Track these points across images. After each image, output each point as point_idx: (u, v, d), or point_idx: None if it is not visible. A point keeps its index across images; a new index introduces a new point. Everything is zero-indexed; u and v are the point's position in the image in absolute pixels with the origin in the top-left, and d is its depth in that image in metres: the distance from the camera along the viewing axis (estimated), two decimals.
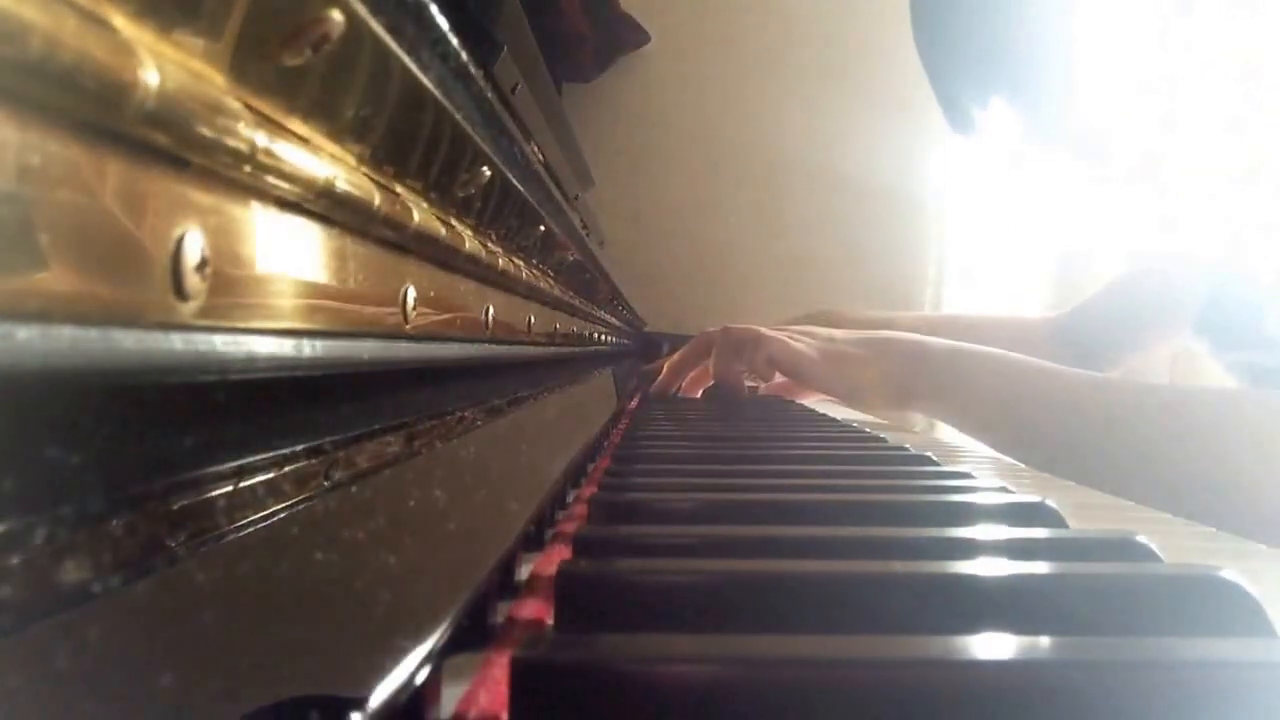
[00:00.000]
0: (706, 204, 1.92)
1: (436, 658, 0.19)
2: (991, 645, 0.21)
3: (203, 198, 0.15)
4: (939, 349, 0.80)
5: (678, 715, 0.19)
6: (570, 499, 0.45)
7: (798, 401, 1.06)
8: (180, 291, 0.14)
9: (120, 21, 0.12)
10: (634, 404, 1.02)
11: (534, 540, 0.35)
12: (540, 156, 0.46)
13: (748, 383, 0.97)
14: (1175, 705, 0.19)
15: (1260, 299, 0.91)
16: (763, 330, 0.89)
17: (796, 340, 0.87)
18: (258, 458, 0.18)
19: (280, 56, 0.17)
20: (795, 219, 1.91)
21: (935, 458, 0.56)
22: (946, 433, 0.96)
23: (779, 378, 0.92)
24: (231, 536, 0.16)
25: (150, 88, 0.12)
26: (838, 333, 0.89)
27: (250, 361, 0.16)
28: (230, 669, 0.14)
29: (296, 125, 0.18)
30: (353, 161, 0.21)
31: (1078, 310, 1.15)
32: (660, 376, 1.02)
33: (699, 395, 1.01)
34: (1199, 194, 1.63)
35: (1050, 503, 0.39)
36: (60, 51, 0.10)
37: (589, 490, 0.46)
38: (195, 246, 0.14)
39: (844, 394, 0.85)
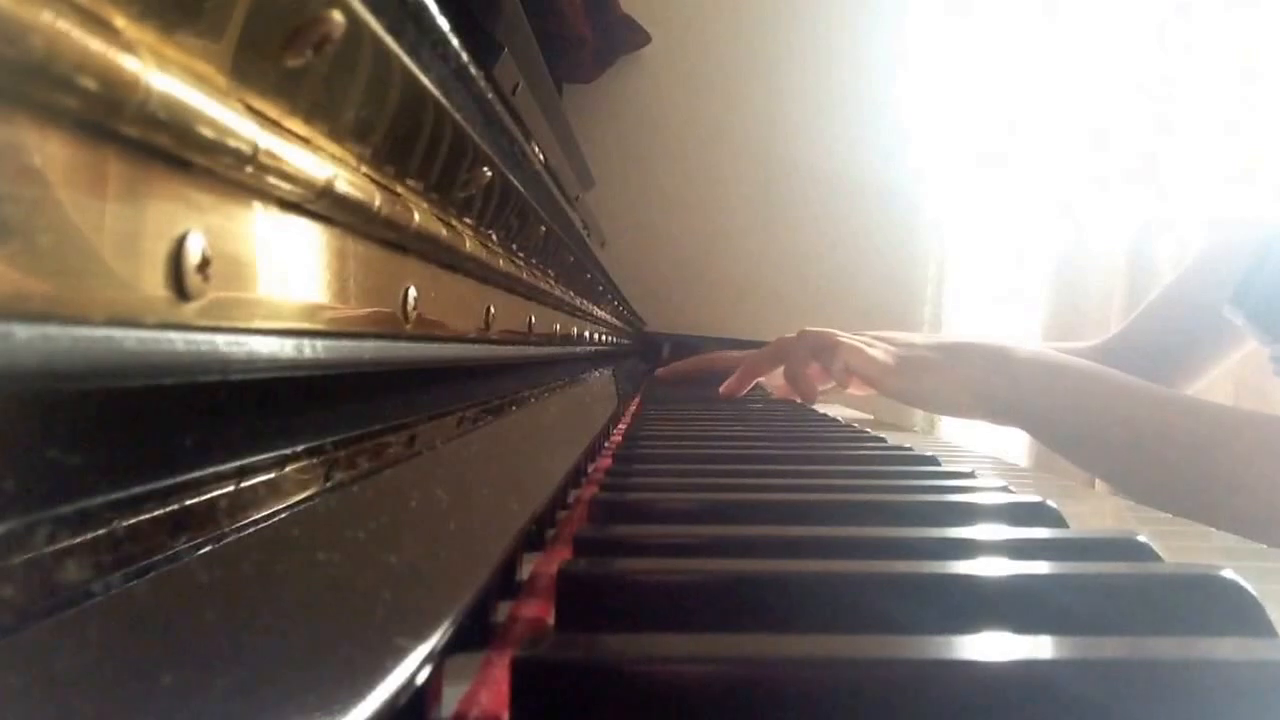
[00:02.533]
0: (706, 204, 1.92)
1: (437, 657, 0.19)
2: (992, 645, 0.21)
3: (204, 198, 0.15)
4: (1023, 355, 0.78)
5: (678, 715, 0.19)
6: (570, 499, 0.45)
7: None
8: (181, 292, 0.14)
9: (121, 22, 0.12)
10: (634, 404, 1.02)
11: (534, 540, 0.35)
12: (540, 157, 0.46)
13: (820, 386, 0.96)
14: (1175, 705, 0.19)
15: None
16: (840, 336, 0.87)
17: (873, 347, 0.85)
18: (259, 458, 0.18)
19: (281, 57, 0.17)
20: (795, 219, 1.91)
21: (936, 458, 0.56)
22: (947, 433, 0.95)
23: (854, 386, 0.91)
24: (232, 536, 0.16)
25: (151, 88, 0.12)
26: (916, 338, 0.87)
27: (251, 361, 0.16)
28: (230, 669, 0.14)
29: (297, 126, 0.18)
30: (353, 162, 0.21)
31: (1119, 336, 1.08)
32: (733, 377, 1.01)
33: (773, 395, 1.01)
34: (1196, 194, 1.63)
35: (1051, 503, 0.39)
36: (61, 52, 0.10)
37: (589, 490, 0.46)
38: (196, 247, 0.14)
39: (922, 401, 0.83)
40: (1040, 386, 0.74)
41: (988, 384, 0.77)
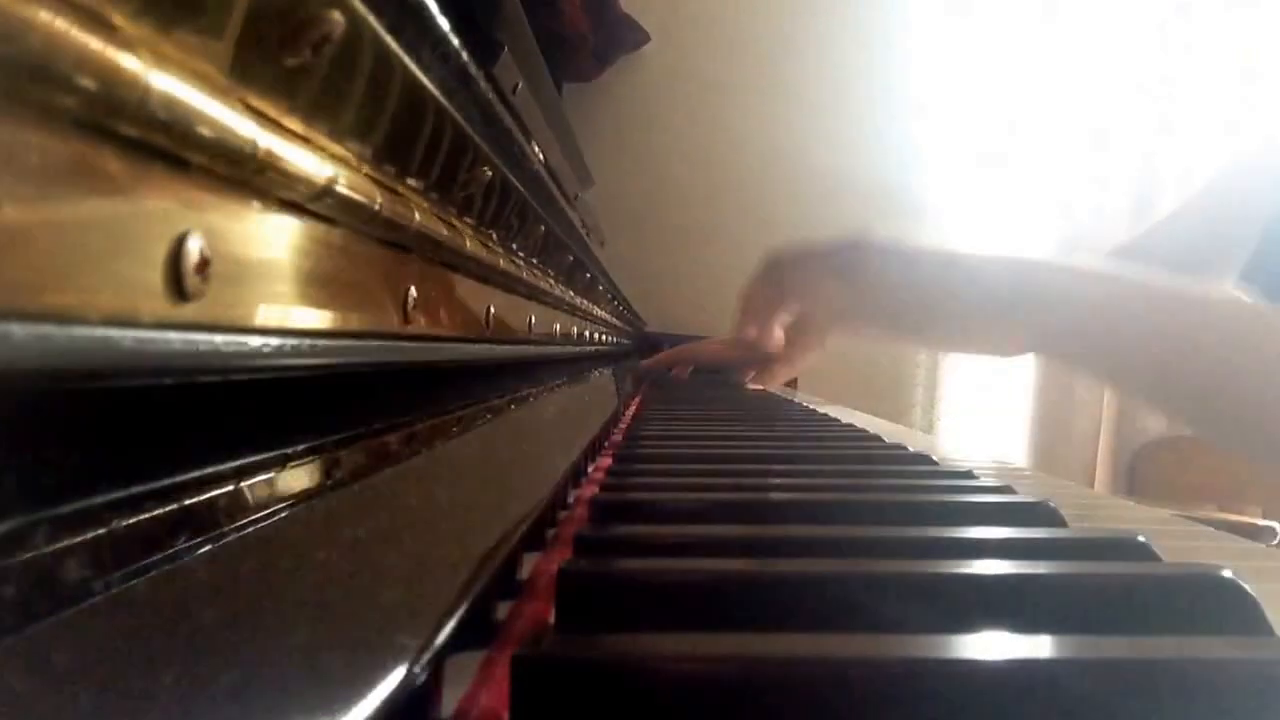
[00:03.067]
0: (706, 204, 1.92)
1: (437, 658, 0.19)
2: (992, 645, 0.21)
3: (203, 198, 0.15)
4: (1066, 266, 0.54)
5: (678, 714, 0.19)
6: (571, 498, 0.45)
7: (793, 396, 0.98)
8: (180, 291, 0.14)
9: (120, 21, 0.12)
10: (634, 404, 1.02)
11: (534, 540, 0.35)
12: (540, 156, 0.46)
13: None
14: (1175, 704, 0.19)
15: None
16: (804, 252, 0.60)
17: (834, 269, 0.57)
18: (258, 457, 0.18)
19: (281, 56, 0.17)
20: (795, 218, 1.91)
21: (936, 458, 0.56)
22: (946, 433, 0.93)
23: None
24: (232, 536, 0.16)
25: (150, 87, 0.12)
26: (906, 253, 0.58)
27: (251, 361, 0.16)
28: (231, 669, 0.14)
29: (297, 125, 0.18)
30: (353, 161, 0.21)
31: (1142, 239, 0.88)
32: (741, 331, 0.66)
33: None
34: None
35: (1051, 503, 0.39)
36: (60, 51, 0.10)
37: (589, 490, 0.46)
38: (195, 247, 0.14)
39: (937, 336, 0.57)
40: (1107, 304, 0.51)
41: (1043, 315, 0.53)
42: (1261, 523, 1.69)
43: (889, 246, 0.58)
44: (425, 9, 0.23)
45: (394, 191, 0.24)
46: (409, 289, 0.26)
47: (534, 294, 0.49)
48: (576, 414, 0.61)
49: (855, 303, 0.57)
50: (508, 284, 0.41)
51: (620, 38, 1.77)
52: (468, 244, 0.31)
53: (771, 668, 0.20)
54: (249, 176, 0.16)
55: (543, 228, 0.47)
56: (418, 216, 0.25)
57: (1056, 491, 0.48)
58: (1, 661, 0.10)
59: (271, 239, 0.17)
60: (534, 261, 0.49)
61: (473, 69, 0.28)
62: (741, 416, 0.87)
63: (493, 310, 0.38)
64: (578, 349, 0.75)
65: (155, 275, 0.13)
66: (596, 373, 0.88)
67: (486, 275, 0.37)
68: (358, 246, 0.22)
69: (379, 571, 0.20)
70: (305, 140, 0.18)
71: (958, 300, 0.54)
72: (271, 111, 0.17)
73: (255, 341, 0.16)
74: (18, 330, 0.11)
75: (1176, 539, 0.43)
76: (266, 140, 0.16)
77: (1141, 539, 0.32)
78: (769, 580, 0.26)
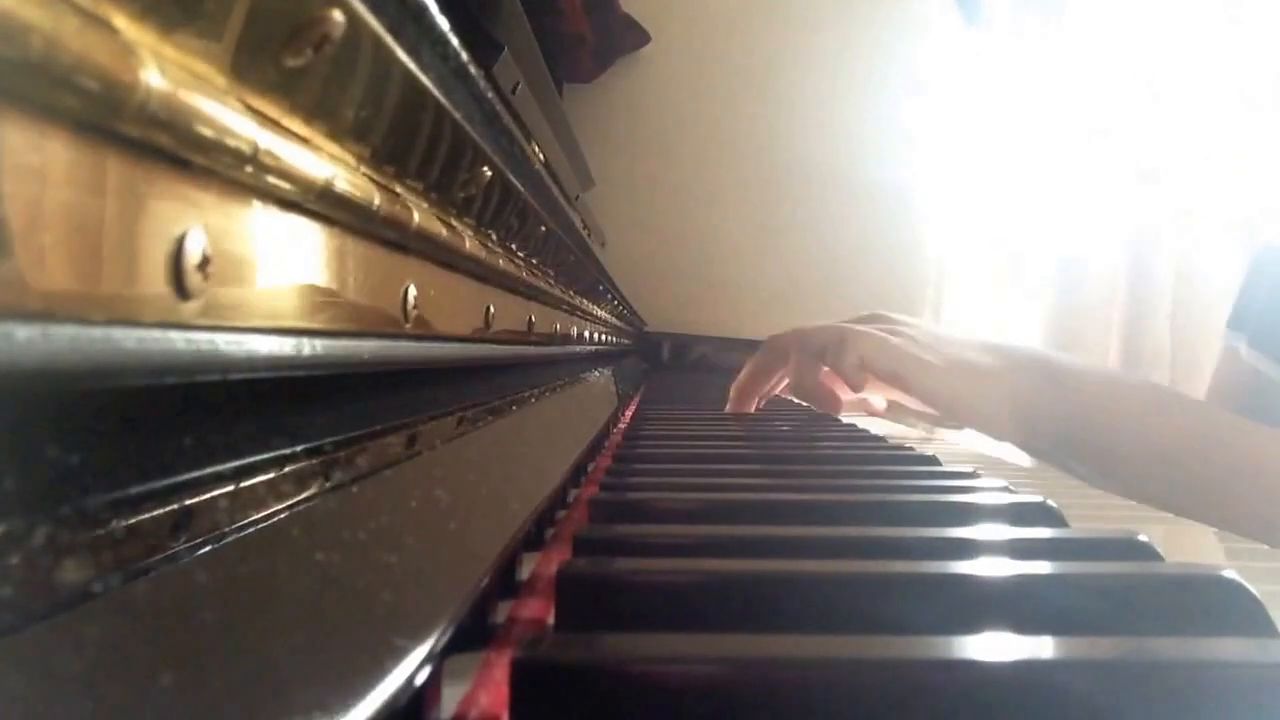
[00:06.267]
0: (706, 204, 1.92)
1: (437, 658, 0.19)
2: (992, 645, 0.21)
3: (204, 197, 0.15)
4: (1078, 365, 0.62)
5: (678, 715, 0.19)
6: (570, 499, 0.45)
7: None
8: (181, 290, 0.14)
9: (121, 22, 0.12)
10: (634, 404, 1.02)
11: (534, 540, 0.35)
12: (540, 156, 0.46)
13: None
14: (1177, 705, 0.19)
15: None
16: (849, 326, 0.69)
17: (896, 337, 0.66)
18: (258, 458, 0.18)
19: (281, 57, 0.17)
20: (795, 218, 1.91)
21: (937, 457, 0.56)
22: (946, 433, 0.91)
23: (873, 388, 0.71)
24: (232, 537, 0.16)
25: (151, 88, 0.12)
26: (940, 330, 0.68)
27: (251, 361, 0.16)
28: (230, 669, 0.14)
29: (297, 125, 0.18)
30: (353, 161, 0.21)
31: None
32: (732, 398, 0.80)
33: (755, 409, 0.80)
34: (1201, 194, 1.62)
35: (1051, 503, 0.39)
36: (61, 52, 0.10)
37: (589, 490, 0.46)
38: (196, 246, 0.14)
39: (963, 410, 0.62)
40: (1103, 401, 0.58)
41: (1038, 397, 0.59)
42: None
43: (911, 321, 0.69)
44: (425, 9, 0.23)
45: (394, 191, 0.24)
46: (409, 289, 0.26)
47: (534, 294, 0.49)
48: (576, 414, 0.61)
49: (906, 365, 0.63)
50: (508, 284, 0.41)
51: (620, 38, 1.78)
52: (468, 244, 0.31)
53: (772, 668, 0.20)
54: (250, 176, 0.16)
55: (543, 228, 0.47)
56: (418, 216, 0.25)
57: (1057, 491, 0.48)
58: (1, 661, 0.10)
59: (272, 238, 0.17)
60: (534, 261, 0.49)
61: (473, 69, 0.28)
62: (742, 417, 0.87)
63: (493, 310, 0.38)
64: (578, 349, 0.75)
65: (156, 274, 0.13)
66: (596, 373, 0.88)
67: (486, 275, 0.37)
68: (358, 246, 0.22)
69: (379, 572, 0.20)
70: (305, 140, 0.18)
71: (989, 385, 0.61)
72: (272, 111, 0.17)
73: (256, 340, 0.16)
74: (19, 330, 0.11)
75: (1177, 539, 0.43)
76: (267, 140, 0.16)
77: (1143, 538, 0.32)
78: (770, 581, 0.26)
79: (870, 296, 1.81)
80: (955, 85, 1.94)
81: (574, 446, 0.50)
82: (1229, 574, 0.26)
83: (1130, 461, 0.56)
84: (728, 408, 0.81)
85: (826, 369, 0.70)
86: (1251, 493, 0.52)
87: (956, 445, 0.85)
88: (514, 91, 0.39)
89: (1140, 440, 0.56)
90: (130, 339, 0.13)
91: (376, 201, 0.22)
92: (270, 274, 0.17)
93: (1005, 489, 0.44)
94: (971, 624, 0.23)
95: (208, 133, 0.14)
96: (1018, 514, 0.38)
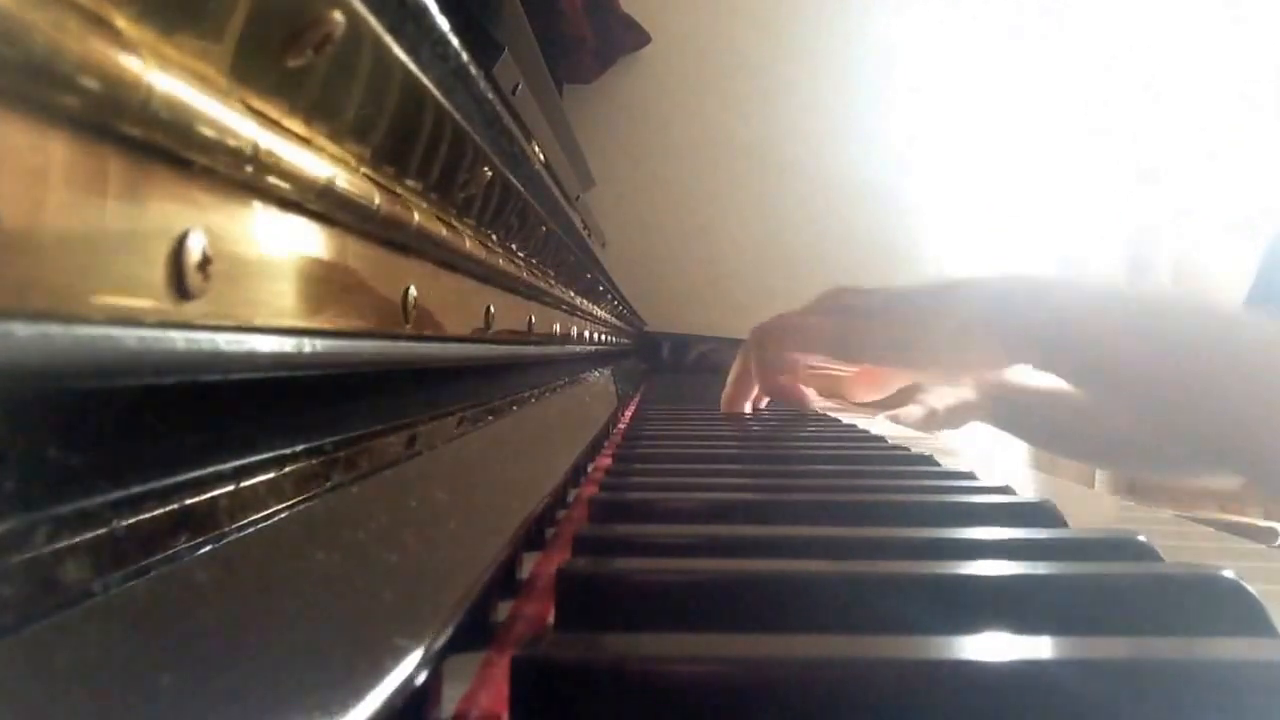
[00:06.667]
0: (706, 204, 1.92)
1: (437, 658, 0.19)
2: (992, 645, 0.21)
3: (204, 197, 0.15)
4: (1058, 279, 0.54)
5: (678, 714, 0.19)
6: (570, 498, 0.45)
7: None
8: (182, 290, 0.14)
9: (123, 23, 0.12)
10: (634, 404, 1.02)
11: (534, 540, 0.35)
12: (540, 156, 0.46)
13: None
14: (1176, 705, 0.19)
15: None
16: (764, 324, 0.65)
17: (814, 313, 0.62)
18: (258, 457, 0.18)
19: (281, 57, 0.17)
20: (795, 219, 1.91)
21: (935, 457, 0.56)
22: (946, 434, 0.91)
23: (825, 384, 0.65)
24: (232, 536, 0.16)
25: (152, 89, 0.12)
26: (909, 288, 0.60)
27: (251, 360, 0.16)
28: (230, 669, 0.14)
29: (297, 126, 0.18)
30: (353, 162, 0.21)
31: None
32: (724, 407, 0.75)
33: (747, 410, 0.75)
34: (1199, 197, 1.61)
35: (1051, 503, 0.39)
36: (63, 52, 0.10)
37: (589, 490, 0.46)
38: (197, 246, 0.14)
39: (911, 360, 0.57)
40: (1096, 312, 0.49)
41: (1011, 318, 0.51)
42: (1262, 523, 1.69)
43: (865, 288, 0.62)
44: (425, 9, 0.23)
45: (394, 191, 0.24)
46: (409, 289, 0.26)
47: (534, 294, 0.49)
48: (576, 413, 0.61)
49: (846, 336, 0.58)
50: (508, 284, 0.41)
51: (620, 38, 1.78)
52: (468, 244, 0.31)
53: (772, 668, 0.20)
54: (250, 176, 0.16)
55: (543, 228, 0.47)
56: (418, 216, 0.25)
57: (1057, 491, 0.48)
58: (1, 661, 0.10)
59: (273, 238, 0.17)
60: (534, 261, 0.49)
61: (473, 69, 0.28)
62: (742, 417, 0.87)
63: (493, 310, 0.38)
64: (578, 349, 0.75)
65: (157, 274, 0.13)
66: (596, 372, 0.88)
67: (486, 275, 0.37)
68: (358, 246, 0.22)
69: (379, 571, 0.20)
70: (306, 140, 0.18)
71: (937, 316, 0.55)
72: (272, 112, 0.17)
73: (256, 340, 0.17)
74: (20, 329, 0.11)
75: (1177, 539, 0.43)
76: (267, 140, 0.16)
77: (1143, 539, 0.32)
78: (769, 580, 0.26)
79: None
80: (956, 86, 1.94)
81: (574, 446, 0.50)
82: (1228, 574, 0.26)
83: (1122, 356, 0.47)
84: (724, 413, 0.77)
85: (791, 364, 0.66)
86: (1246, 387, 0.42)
87: (956, 445, 0.85)
88: (514, 92, 0.39)
89: (1131, 338, 0.47)
90: (131, 338, 0.13)
91: (377, 201, 0.22)
92: (270, 274, 0.17)
93: (1005, 489, 0.44)
94: (971, 624, 0.23)
95: (208, 133, 0.14)
96: (1018, 514, 0.38)
